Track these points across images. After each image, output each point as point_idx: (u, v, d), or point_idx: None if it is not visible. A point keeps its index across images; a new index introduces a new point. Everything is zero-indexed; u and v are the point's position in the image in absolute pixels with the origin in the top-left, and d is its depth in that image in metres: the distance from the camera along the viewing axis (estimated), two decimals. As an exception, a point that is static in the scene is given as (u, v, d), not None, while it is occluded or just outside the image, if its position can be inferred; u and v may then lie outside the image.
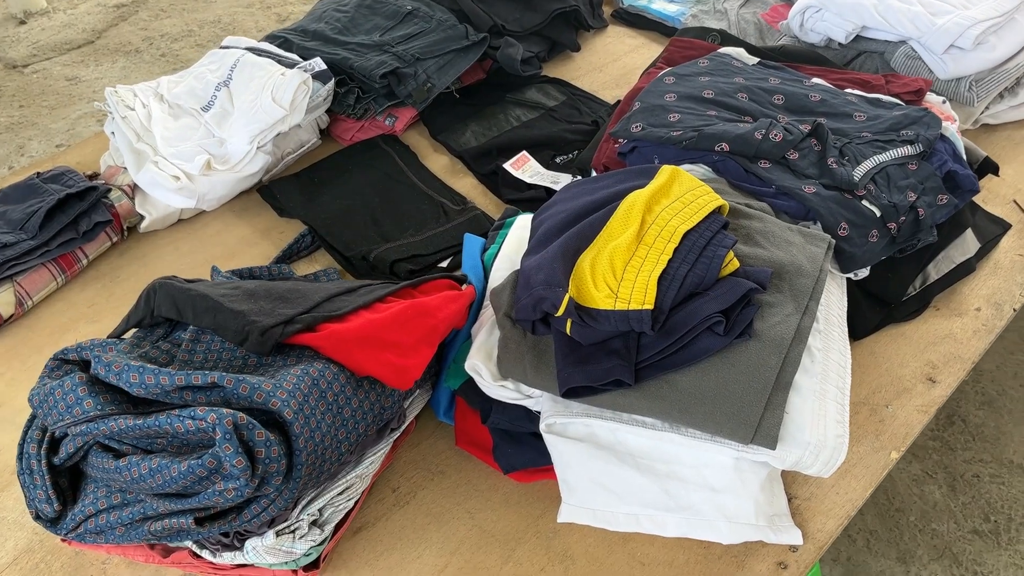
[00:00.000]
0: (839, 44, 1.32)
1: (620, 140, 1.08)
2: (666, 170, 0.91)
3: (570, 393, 0.79)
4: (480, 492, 0.87)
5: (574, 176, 1.22)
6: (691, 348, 0.77)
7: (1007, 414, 1.55)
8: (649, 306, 0.79)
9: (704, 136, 0.99)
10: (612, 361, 0.77)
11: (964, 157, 1.03)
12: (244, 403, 0.69)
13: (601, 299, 0.81)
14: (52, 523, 0.73)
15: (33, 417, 0.77)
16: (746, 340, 0.77)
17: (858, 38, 1.30)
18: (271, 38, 1.40)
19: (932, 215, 0.97)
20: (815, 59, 1.22)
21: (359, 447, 0.80)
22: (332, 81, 1.29)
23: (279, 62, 1.30)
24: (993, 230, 1.10)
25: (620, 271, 0.83)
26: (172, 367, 0.75)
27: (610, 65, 1.51)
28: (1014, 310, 1.02)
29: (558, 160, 1.29)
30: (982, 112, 1.25)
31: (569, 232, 0.88)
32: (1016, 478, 1.49)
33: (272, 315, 0.76)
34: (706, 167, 1.00)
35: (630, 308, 0.79)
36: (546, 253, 0.88)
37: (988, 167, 1.09)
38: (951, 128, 1.04)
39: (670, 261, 0.83)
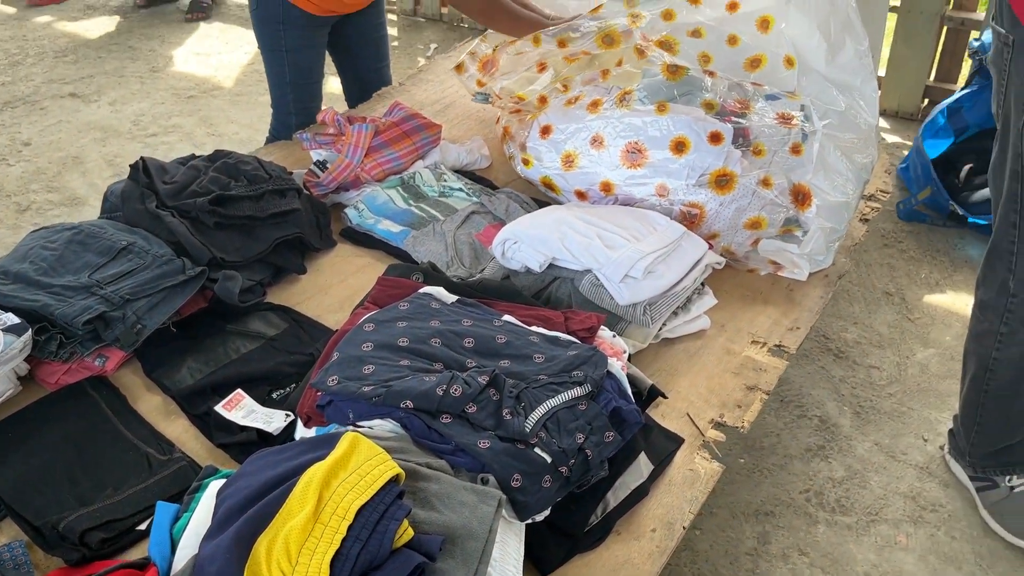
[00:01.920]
0: (536, 271, 1.45)
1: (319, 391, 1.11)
2: (346, 439, 0.95)
3: None
4: None
5: (287, 416, 1.24)
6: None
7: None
8: (319, 592, 0.80)
9: (391, 394, 1.05)
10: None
11: (629, 392, 1.15)
12: None
13: (275, 586, 0.82)
14: None
15: None
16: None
17: (552, 265, 1.44)
18: (-36, 283, 1.34)
19: (599, 453, 1.06)
20: (509, 294, 1.33)
21: None
22: (29, 332, 1.24)
23: (-30, 313, 1.24)
24: (668, 446, 1.23)
25: (295, 554, 0.85)
26: None
27: (336, 286, 1.56)
28: (684, 528, 1.13)
29: (275, 396, 1.30)
30: (659, 330, 1.41)
31: (248, 514, 0.89)
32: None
33: None
34: (394, 422, 1.05)
35: (300, 596, 0.80)
36: (222, 540, 0.88)
37: (654, 394, 1.22)
38: (616, 365, 1.17)
39: (344, 540, 0.86)
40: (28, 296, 1.31)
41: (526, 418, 1.06)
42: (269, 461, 0.96)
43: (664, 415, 1.29)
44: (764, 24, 1.64)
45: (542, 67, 1.80)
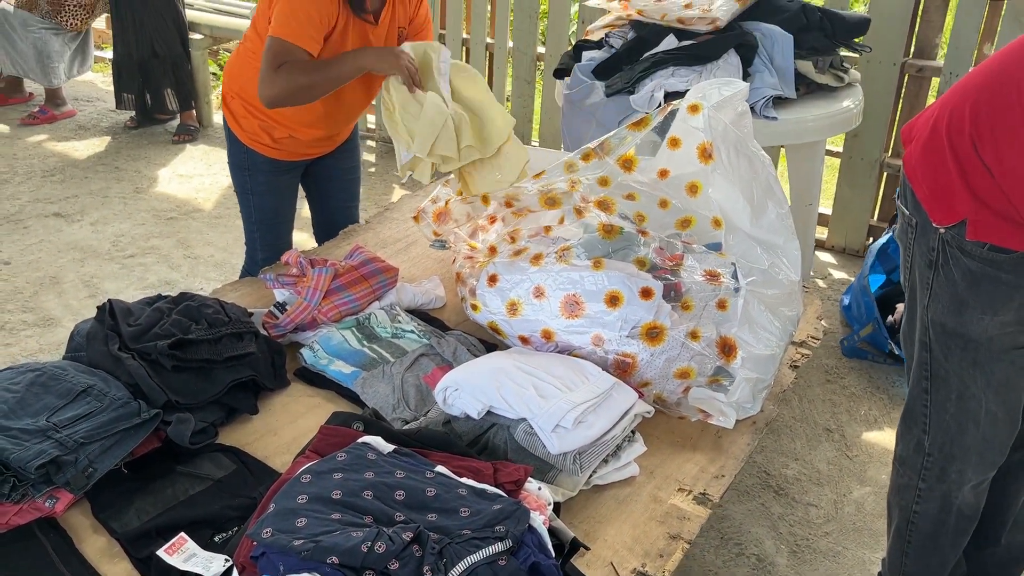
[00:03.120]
0: (475, 417, 1.53)
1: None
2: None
3: None
4: None
5: (226, 561, 1.29)
6: None
7: None
8: None
9: (318, 549, 1.12)
10: None
11: (549, 547, 1.22)
12: None
13: None
14: None
15: None
16: None
17: (490, 412, 1.53)
18: (-74, 425, 1.41)
19: (516, 609, 1.12)
20: (444, 444, 1.41)
21: None
22: (-17, 476, 1.31)
23: (-73, 457, 1.30)
24: (590, 597, 1.28)
25: None
26: None
27: (286, 427, 1.64)
28: None
29: (216, 539, 1.36)
30: (589, 477, 1.49)
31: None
32: None
33: None
34: (318, 578, 1.11)
35: None
36: None
37: (576, 546, 1.29)
38: (538, 520, 1.24)
39: None
40: (-14, 439, 1.38)
41: (446, 574, 1.12)
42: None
43: (589, 564, 1.36)
44: (693, 189, 1.79)
45: (492, 220, 1.94)
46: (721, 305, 1.71)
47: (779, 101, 2.50)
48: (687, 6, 2.48)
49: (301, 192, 2.37)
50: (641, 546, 1.41)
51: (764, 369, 1.72)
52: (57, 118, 4.99)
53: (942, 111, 1.37)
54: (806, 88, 2.54)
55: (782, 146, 2.87)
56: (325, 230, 2.40)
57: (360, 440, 1.38)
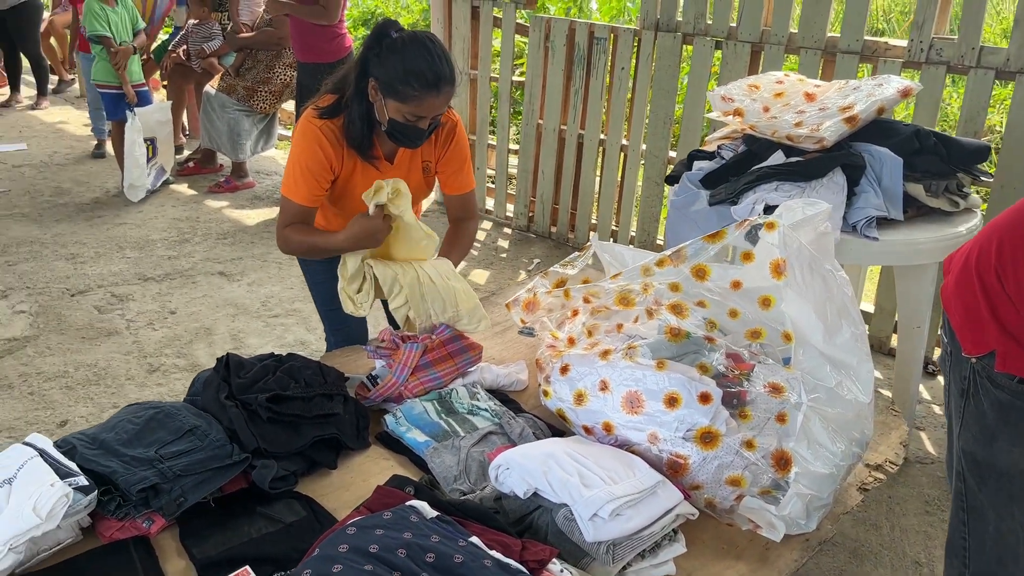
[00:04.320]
0: (521, 497, 1.64)
1: (297, 581, 1.33)
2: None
3: None
4: None
5: (277, 597, 1.45)
6: None
7: None
8: None
9: (343, 594, 1.25)
10: None
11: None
12: None
13: None
14: None
15: None
16: None
17: (536, 495, 1.62)
18: (62, 444, 1.68)
19: None
20: (483, 517, 1.52)
21: None
22: (95, 493, 1.54)
23: (57, 470, 1.56)
24: None
25: None
26: None
27: (359, 484, 1.80)
28: None
29: (276, 577, 1.52)
30: (622, 570, 1.54)
31: None
32: None
33: None
34: (342, 620, 1.24)
35: None
36: None
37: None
38: (552, 600, 1.32)
39: None
40: (104, 462, 1.62)
41: (454, 635, 1.22)
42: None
43: (606, 653, 1.41)
44: (765, 302, 1.84)
45: (575, 313, 2.07)
46: (781, 419, 1.74)
47: (890, 222, 2.50)
48: (797, 124, 2.54)
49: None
50: (662, 643, 1.44)
51: (821, 487, 1.71)
52: (238, 188, 5.60)
53: (974, 245, 1.39)
54: (916, 210, 2.52)
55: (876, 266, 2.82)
56: None
57: (408, 503, 1.51)
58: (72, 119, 7.01)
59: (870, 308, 3.78)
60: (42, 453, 1.61)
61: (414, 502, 1.52)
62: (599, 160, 4.62)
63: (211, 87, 5.71)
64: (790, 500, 1.69)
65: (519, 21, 4.77)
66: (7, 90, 7.54)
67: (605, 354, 1.87)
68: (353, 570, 1.32)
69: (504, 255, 4.62)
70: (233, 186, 5.60)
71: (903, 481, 2.53)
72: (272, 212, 5.17)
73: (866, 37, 3.54)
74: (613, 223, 4.61)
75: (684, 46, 4.10)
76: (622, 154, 4.50)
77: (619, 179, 4.56)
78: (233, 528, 1.63)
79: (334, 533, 1.42)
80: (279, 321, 3.76)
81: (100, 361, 3.33)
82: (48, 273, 4.15)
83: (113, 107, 5.38)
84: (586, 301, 1.98)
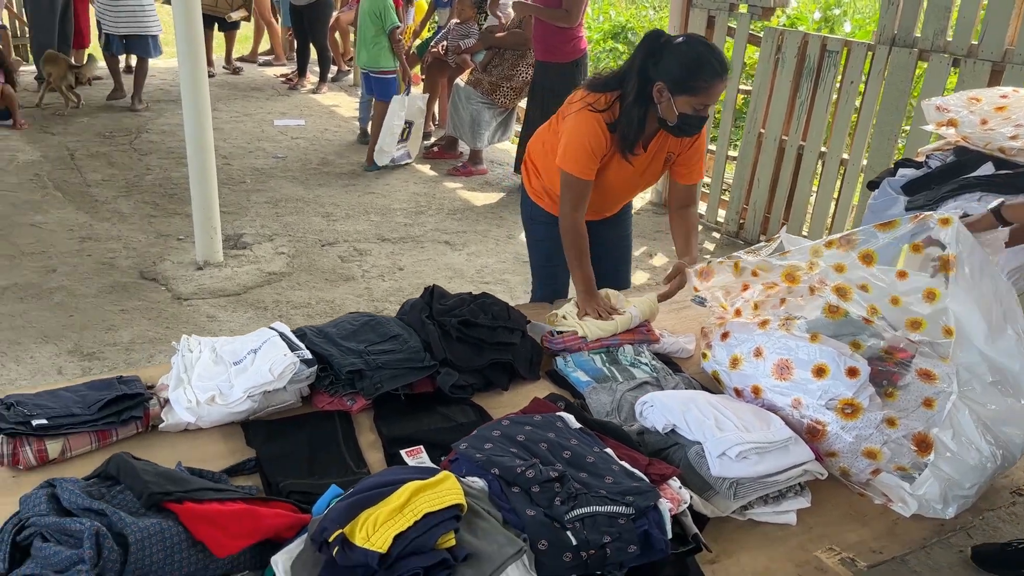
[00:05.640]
0: (660, 432, 1.81)
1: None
2: (443, 473, 1.43)
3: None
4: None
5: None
6: None
7: None
8: (381, 550, 1.28)
9: (488, 462, 1.51)
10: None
11: (666, 526, 1.47)
12: (115, 528, 1.23)
13: (359, 539, 1.31)
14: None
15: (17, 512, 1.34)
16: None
17: (673, 431, 1.80)
18: (298, 331, 2.08)
19: (617, 555, 1.40)
20: (619, 436, 1.72)
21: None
22: (315, 367, 1.92)
23: (290, 347, 1.95)
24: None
25: (378, 526, 1.33)
26: (98, 500, 1.31)
27: (522, 405, 2.05)
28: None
29: (442, 458, 1.81)
30: (745, 509, 1.67)
31: (363, 495, 1.40)
32: None
33: (161, 487, 1.32)
34: (483, 481, 1.50)
35: (369, 548, 1.28)
36: (342, 505, 1.39)
37: (698, 544, 1.50)
38: (665, 505, 1.49)
39: (408, 528, 1.32)
40: (326, 347, 2.00)
41: (571, 510, 1.44)
42: (395, 471, 1.48)
43: (715, 572, 1.55)
44: (930, 295, 1.86)
45: (745, 287, 2.20)
46: (928, 403, 1.78)
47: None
48: (1013, 137, 2.47)
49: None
50: None
51: (964, 475, 1.73)
52: (473, 173, 6.11)
53: None
54: None
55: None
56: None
57: (558, 413, 1.75)
58: (344, 104, 7.94)
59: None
60: (282, 335, 2.02)
61: (563, 413, 1.75)
62: (818, 173, 4.59)
63: (460, 80, 6.28)
64: (926, 480, 1.73)
65: (752, 32, 4.84)
66: (295, 75, 8.67)
67: (764, 324, 1.99)
68: (500, 448, 1.57)
69: (707, 256, 4.71)
70: (468, 171, 6.12)
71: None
72: (497, 197, 5.61)
73: None
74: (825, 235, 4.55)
75: (919, 62, 3.99)
76: (842, 168, 4.44)
77: (836, 193, 4.51)
78: (416, 419, 1.95)
79: (491, 423, 1.68)
80: (488, 287, 4.13)
81: (337, 299, 3.87)
82: (306, 225, 4.84)
83: (385, 90, 5.99)
84: (754, 275, 2.11)
